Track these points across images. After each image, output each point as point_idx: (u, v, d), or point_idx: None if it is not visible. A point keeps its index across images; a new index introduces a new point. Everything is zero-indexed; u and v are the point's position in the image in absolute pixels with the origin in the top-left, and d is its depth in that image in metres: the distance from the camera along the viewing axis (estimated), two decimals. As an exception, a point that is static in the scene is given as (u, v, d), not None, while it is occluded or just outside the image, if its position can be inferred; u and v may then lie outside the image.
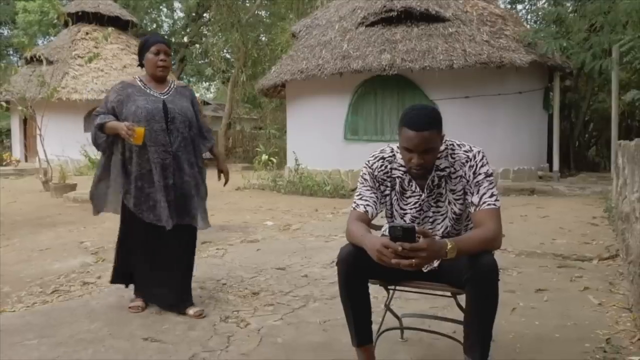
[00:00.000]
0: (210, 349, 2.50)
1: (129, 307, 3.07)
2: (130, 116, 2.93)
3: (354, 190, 10.62)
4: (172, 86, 3.13)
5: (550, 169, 10.77)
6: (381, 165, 2.12)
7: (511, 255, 4.43)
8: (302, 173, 10.34)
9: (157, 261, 3.07)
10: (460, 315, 2.04)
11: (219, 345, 2.55)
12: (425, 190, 2.07)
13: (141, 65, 3.11)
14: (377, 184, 2.13)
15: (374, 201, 2.09)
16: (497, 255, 4.40)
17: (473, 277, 1.80)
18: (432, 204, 2.10)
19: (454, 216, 2.09)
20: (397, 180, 2.11)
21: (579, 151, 13.02)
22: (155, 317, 2.96)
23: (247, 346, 2.54)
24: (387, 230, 2.05)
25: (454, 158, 2.03)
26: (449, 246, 1.73)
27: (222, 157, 3.39)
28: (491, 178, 2.00)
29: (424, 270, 2.10)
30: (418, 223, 2.10)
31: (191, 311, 2.97)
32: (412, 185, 2.09)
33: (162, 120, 2.96)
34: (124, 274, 3.24)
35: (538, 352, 2.44)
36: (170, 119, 2.99)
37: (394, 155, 2.11)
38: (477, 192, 1.98)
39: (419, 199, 2.09)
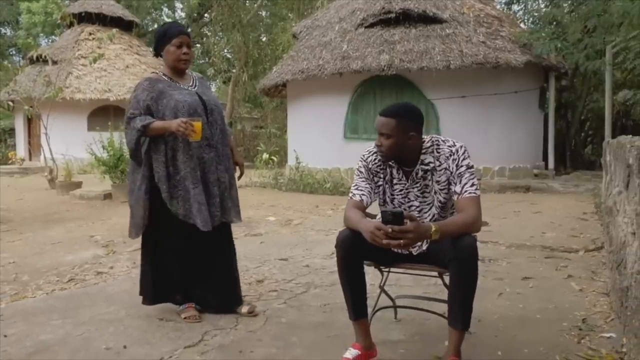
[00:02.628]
0: (220, 327, 2.74)
1: (185, 319, 2.83)
2: (170, 112, 2.76)
3: (353, 187, 10.85)
4: (195, 78, 3.01)
5: (546, 167, 11.00)
6: (375, 159, 2.35)
7: (502, 248, 4.67)
8: (302, 171, 10.57)
9: (201, 263, 2.91)
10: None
11: (229, 324, 2.79)
12: (409, 180, 2.33)
13: (158, 55, 2.94)
14: (371, 176, 2.36)
15: (369, 191, 2.32)
16: (489, 247, 4.67)
17: (455, 256, 2.03)
18: (419, 194, 2.33)
19: (439, 204, 2.32)
20: (388, 170, 2.35)
21: (575, 150, 13.25)
22: (168, 301, 3.20)
23: (254, 325, 2.78)
24: (380, 216, 2.29)
25: (439, 153, 2.26)
26: (433, 229, 1.96)
27: (237, 149, 3.23)
28: (472, 170, 2.24)
29: (414, 253, 2.34)
30: (405, 209, 2.33)
31: (244, 309, 2.91)
32: (399, 174, 2.34)
33: (203, 113, 2.83)
34: (158, 290, 2.93)
35: (519, 330, 2.68)
36: (209, 111, 2.88)
37: None
38: (460, 182, 2.21)
39: (404, 186, 2.34)
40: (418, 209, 2.35)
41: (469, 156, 2.24)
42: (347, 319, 2.35)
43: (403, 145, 2.21)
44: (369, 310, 2.36)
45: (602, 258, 4.18)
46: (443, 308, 2.60)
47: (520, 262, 4.13)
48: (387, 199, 2.39)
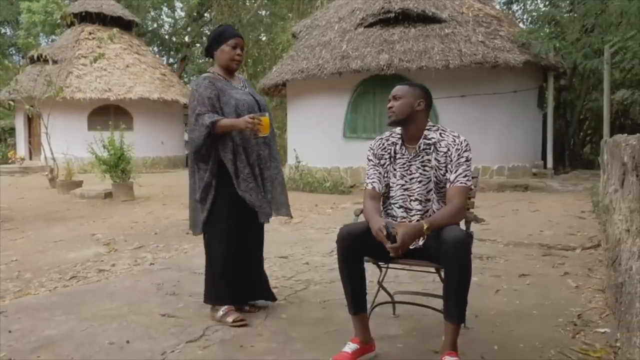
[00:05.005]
0: (222, 323, 2.78)
1: (232, 322, 2.76)
2: (230, 110, 2.85)
3: (353, 186, 10.84)
4: (242, 80, 3.12)
5: (545, 166, 11.05)
6: (379, 144, 2.57)
7: (500, 245, 4.71)
8: (302, 170, 10.61)
9: (245, 258, 2.98)
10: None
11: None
12: (412, 153, 2.48)
13: (209, 55, 3.03)
14: (378, 160, 2.55)
15: (378, 177, 2.53)
16: (487, 245, 4.71)
17: (447, 252, 2.11)
18: (420, 166, 2.47)
19: (435, 180, 2.44)
20: (392, 148, 2.52)
21: (574, 149, 13.30)
22: (170, 298, 3.25)
23: (254, 320, 2.82)
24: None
25: (442, 137, 2.44)
26: (425, 226, 2.15)
27: None
28: (469, 163, 2.40)
29: (410, 247, 2.38)
30: (406, 181, 2.48)
31: (246, 306, 2.99)
32: (402, 149, 2.51)
33: (258, 112, 2.92)
34: (227, 287, 2.90)
35: (516, 325, 2.72)
36: (262, 110, 2.98)
37: (390, 134, 2.58)
38: (456, 172, 2.37)
39: (407, 159, 2.49)
40: (418, 180, 2.47)
41: (470, 150, 2.41)
42: (346, 314, 2.40)
43: (412, 110, 2.43)
44: (368, 306, 2.41)
45: (598, 256, 4.23)
46: (441, 304, 2.65)
47: (518, 260, 4.18)
48: (390, 175, 2.53)
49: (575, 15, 10.41)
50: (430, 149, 2.44)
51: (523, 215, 6.41)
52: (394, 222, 2.37)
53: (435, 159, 2.42)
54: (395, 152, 2.52)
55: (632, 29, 7.60)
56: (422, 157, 2.45)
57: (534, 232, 5.23)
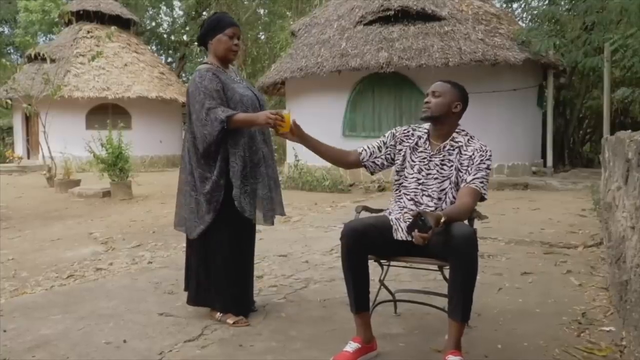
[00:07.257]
0: (220, 322, 2.73)
1: (233, 323, 2.68)
2: (235, 105, 2.69)
3: (352, 185, 10.76)
4: (236, 71, 2.99)
5: (545, 165, 11.01)
6: (405, 130, 2.58)
7: (501, 244, 4.67)
8: (301, 169, 10.56)
9: (240, 262, 2.83)
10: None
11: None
12: (434, 150, 2.47)
13: (203, 44, 2.86)
14: (392, 142, 2.56)
15: (372, 152, 2.60)
16: (488, 243, 4.67)
17: (455, 247, 2.07)
18: (438, 163, 2.46)
19: (455, 180, 2.43)
20: (415, 139, 2.53)
21: (574, 147, 13.27)
22: (168, 296, 3.21)
23: (253, 319, 2.77)
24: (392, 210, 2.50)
25: (469, 143, 2.44)
26: (443, 219, 2.09)
27: None
28: (489, 171, 2.42)
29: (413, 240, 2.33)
30: (423, 176, 2.47)
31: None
32: (426, 144, 2.50)
33: (259, 108, 2.80)
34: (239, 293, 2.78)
35: (519, 323, 2.69)
36: (261, 106, 2.85)
37: (418, 126, 2.58)
38: (474, 175, 2.37)
39: (427, 154, 2.48)
40: (434, 177, 2.46)
41: (491, 161, 2.42)
42: (347, 313, 2.36)
43: (448, 110, 2.42)
44: (370, 304, 2.36)
45: (600, 254, 4.19)
46: (443, 302, 2.61)
47: (519, 258, 4.14)
48: (407, 164, 2.52)
49: (575, 13, 10.37)
50: (454, 150, 2.44)
51: (523, 214, 6.38)
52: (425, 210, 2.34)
53: (459, 161, 2.42)
54: (417, 145, 2.52)
55: (632, 27, 7.56)
56: (444, 156, 2.45)
57: (535, 230, 5.19)
